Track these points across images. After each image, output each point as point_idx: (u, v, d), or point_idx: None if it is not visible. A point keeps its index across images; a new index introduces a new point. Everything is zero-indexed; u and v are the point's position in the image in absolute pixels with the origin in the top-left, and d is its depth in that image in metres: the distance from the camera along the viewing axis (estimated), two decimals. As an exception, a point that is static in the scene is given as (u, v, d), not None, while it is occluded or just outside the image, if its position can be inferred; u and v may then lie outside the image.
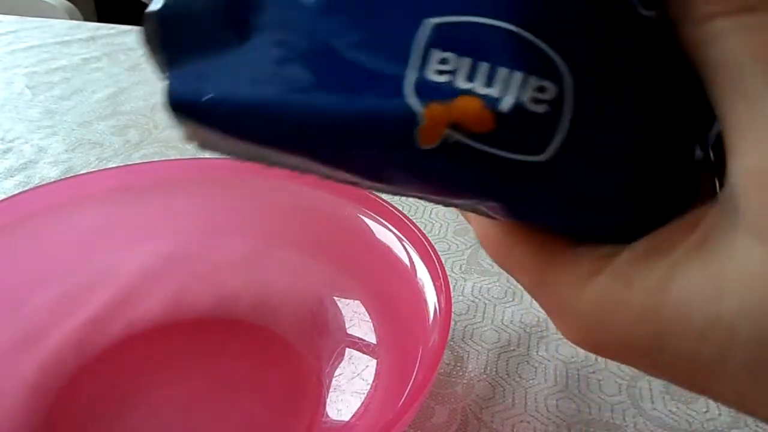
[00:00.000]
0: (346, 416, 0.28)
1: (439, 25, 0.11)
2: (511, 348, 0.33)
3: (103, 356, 0.31)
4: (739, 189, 0.11)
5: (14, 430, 0.27)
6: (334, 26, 0.12)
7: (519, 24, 0.11)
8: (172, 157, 0.50)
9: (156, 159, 0.50)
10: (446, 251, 0.40)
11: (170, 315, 0.33)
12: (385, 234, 0.31)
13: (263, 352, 0.32)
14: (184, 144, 0.50)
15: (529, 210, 0.13)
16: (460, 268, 0.38)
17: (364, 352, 0.31)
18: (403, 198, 0.44)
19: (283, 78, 0.12)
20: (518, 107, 0.11)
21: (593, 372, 0.31)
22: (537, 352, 0.33)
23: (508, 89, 0.11)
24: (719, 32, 0.11)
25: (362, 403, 0.28)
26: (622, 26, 0.12)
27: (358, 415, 0.28)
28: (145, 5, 0.13)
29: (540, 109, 0.11)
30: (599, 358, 0.32)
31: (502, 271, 0.38)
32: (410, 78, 0.11)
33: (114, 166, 0.49)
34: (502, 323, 0.34)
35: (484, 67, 0.11)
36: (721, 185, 0.12)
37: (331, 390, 0.30)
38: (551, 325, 0.34)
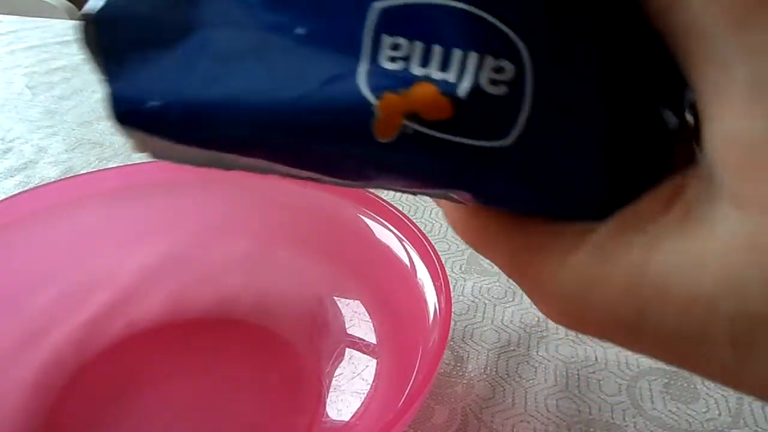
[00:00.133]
0: (346, 416, 0.28)
1: (386, 9, 0.11)
2: (511, 348, 0.33)
3: (103, 356, 0.31)
4: (717, 157, 0.11)
5: (14, 430, 0.27)
6: (280, 18, 0.11)
7: (470, 1, 0.11)
8: (172, 157, 0.50)
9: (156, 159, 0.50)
10: (446, 251, 0.40)
11: (170, 315, 0.33)
12: (385, 234, 0.31)
13: (263, 352, 0.32)
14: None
15: (498, 196, 0.13)
16: (460, 268, 0.38)
17: (364, 352, 0.31)
18: (403, 198, 0.44)
19: (231, 77, 0.11)
20: (476, 91, 0.11)
21: (593, 372, 0.31)
22: (537, 352, 0.33)
23: (464, 72, 0.11)
24: None
25: (362, 403, 0.28)
26: None
27: (358, 415, 0.28)
28: None
29: (499, 91, 0.11)
30: (599, 358, 0.32)
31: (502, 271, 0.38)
32: (363, 68, 0.11)
33: (114, 166, 0.49)
34: (502, 323, 0.34)
35: (437, 51, 0.11)
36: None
37: (331, 390, 0.30)
38: (551, 325, 0.34)
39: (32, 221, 0.31)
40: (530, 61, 0.11)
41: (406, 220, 0.30)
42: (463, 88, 0.11)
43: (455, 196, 0.13)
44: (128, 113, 0.11)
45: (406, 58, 0.11)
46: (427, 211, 0.44)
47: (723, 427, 0.29)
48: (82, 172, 0.48)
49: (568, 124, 0.12)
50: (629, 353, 0.32)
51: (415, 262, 0.29)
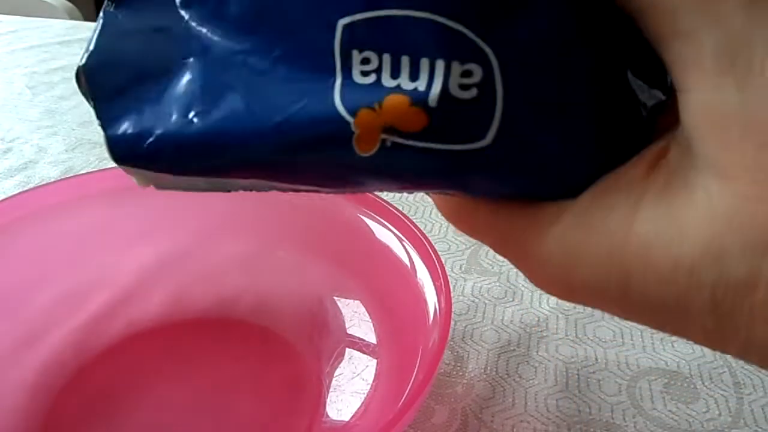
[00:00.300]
0: (346, 416, 0.28)
1: (351, 25, 0.11)
2: (511, 348, 0.33)
3: (103, 356, 0.31)
4: (693, 128, 0.11)
5: (14, 430, 0.27)
6: (254, 45, 0.12)
7: (430, 9, 0.11)
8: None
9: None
10: (446, 251, 0.40)
11: (170, 315, 0.33)
12: (385, 234, 0.31)
13: (263, 352, 0.32)
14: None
15: (485, 190, 0.13)
16: (460, 268, 0.38)
17: (364, 352, 0.31)
18: (403, 198, 0.44)
19: (217, 106, 0.12)
20: (446, 97, 0.11)
21: (593, 372, 0.31)
22: (537, 352, 0.33)
23: (433, 80, 0.11)
24: None
25: (362, 403, 0.28)
26: None
27: (358, 415, 0.28)
28: None
29: (470, 94, 0.11)
30: (599, 358, 0.32)
31: (502, 271, 0.38)
32: (338, 85, 0.11)
33: (114, 166, 0.49)
34: (502, 323, 0.34)
35: (405, 61, 0.11)
36: None
37: (331, 390, 0.30)
38: (551, 325, 0.34)
39: (32, 221, 0.31)
40: (497, 62, 0.11)
41: (406, 220, 0.30)
42: (434, 96, 0.11)
43: (447, 191, 0.13)
44: (125, 154, 0.12)
45: (377, 71, 0.11)
46: (427, 211, 0.44)
47: (723, 427, 0.29)
48: (82, 172, 0.48)
49: (546, 115, 0.12)
50: (629, 353, 0.32)
51: (415, 262, 0.29)
